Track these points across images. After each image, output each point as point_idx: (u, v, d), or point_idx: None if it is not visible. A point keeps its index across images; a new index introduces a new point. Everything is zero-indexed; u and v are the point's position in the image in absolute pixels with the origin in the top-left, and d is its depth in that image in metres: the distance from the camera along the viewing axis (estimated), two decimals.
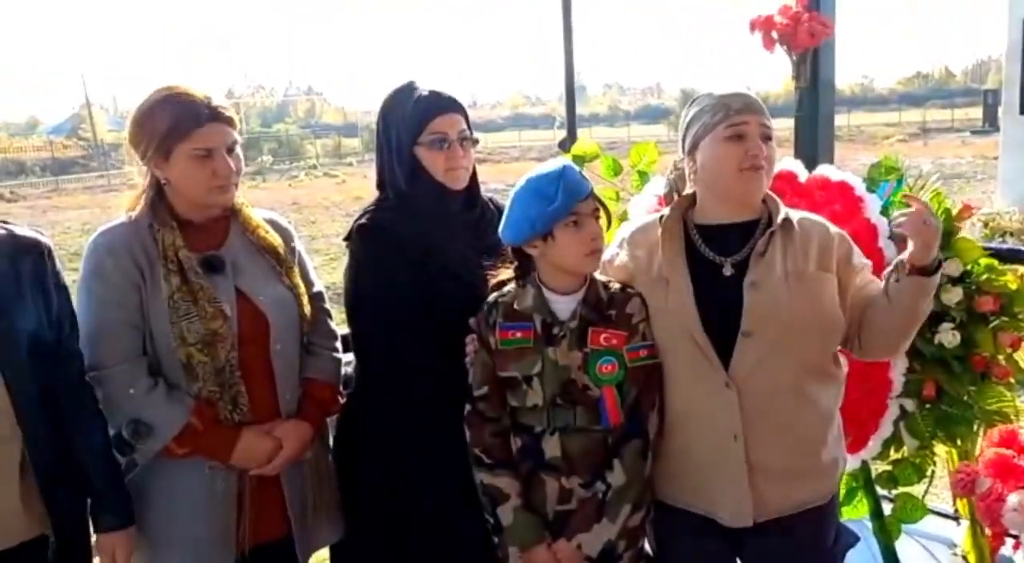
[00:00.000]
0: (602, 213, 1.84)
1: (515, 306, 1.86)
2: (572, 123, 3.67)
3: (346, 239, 2.10)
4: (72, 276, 1.86)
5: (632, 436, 1.82)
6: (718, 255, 1.83)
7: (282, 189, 23.07)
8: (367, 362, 2.10)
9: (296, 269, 2.06)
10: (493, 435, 1.86)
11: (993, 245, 3.34)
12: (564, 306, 1.84)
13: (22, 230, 1.78)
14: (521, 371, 1.83)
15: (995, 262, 2.45)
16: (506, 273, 1.92)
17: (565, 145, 3.13)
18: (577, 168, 1.84)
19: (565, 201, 1.76)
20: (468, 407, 1.89)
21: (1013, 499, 2.21)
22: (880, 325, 1.82)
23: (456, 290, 1.99)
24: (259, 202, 2.13)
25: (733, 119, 1.78)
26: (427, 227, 2.03)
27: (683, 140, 1.89)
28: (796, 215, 1.87)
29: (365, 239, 2.04)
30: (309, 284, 2.10)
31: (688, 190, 1.91)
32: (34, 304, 1.71)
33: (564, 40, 3.60)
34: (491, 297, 1.91)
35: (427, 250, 2.01)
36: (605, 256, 1.92)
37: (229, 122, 1.90)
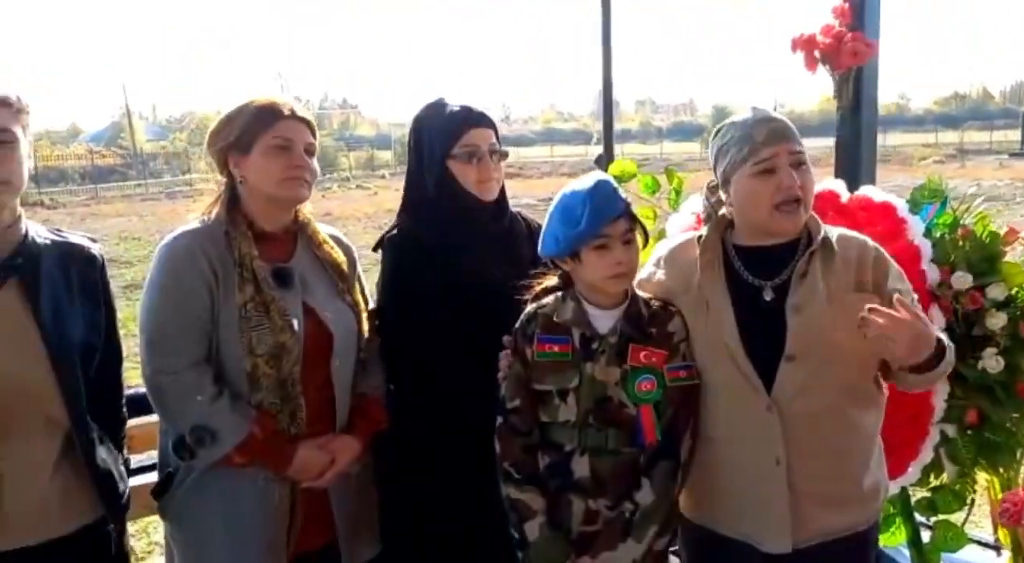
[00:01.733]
0: (638, 233, 1.82)
1: (554, 318, 1.85)
2: (609, 139, 3.67)
3: (376, 249, 2.12)
4: (111, 282, 1.89)
5: (664, 457, 1.80)
6: (758, 278, 1.81)
7: (315, 200, 23.14)
8: (396, 372, 2.11)
9: (357, 286, 2.08)
10: (523, 450, 1.85)
11: None
12: (604, 321, 1.83)
13: (75, 238, 1.84)
14: (557, 385, 1.81)
15: None
16: (549, 280, 1.91)
17: (601, 162, 3.13)
18: (612, 185, 1.82)
19: (590, 224, 1.75)
20: (499, 420, 1.87)
21: None
22: (901, 382, 1.80)
23: (485, 300, 2.00)
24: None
25: (760, 154, 1.74)
26: (457, 238, 2.05)
27: (714, 170, 1.86)
28: (835, 233, 1.84)
29: (395, 249, 2.08)
30: (367, 301, 2.12)
31: (724, 211, 1.89)
32: (83, 307, 1.76)
33: (603, 57, 3.60)
34: (530, 308, 1.90)
35: (456, 261, 2.03)
36: (642, 274, 1.91)
37: (309, 125, 1.97)
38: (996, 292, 2.35)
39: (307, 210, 2.06)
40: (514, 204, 2.26)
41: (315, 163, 1.98)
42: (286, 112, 1.93)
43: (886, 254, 1.87)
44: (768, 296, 1.79)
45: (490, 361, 1.95)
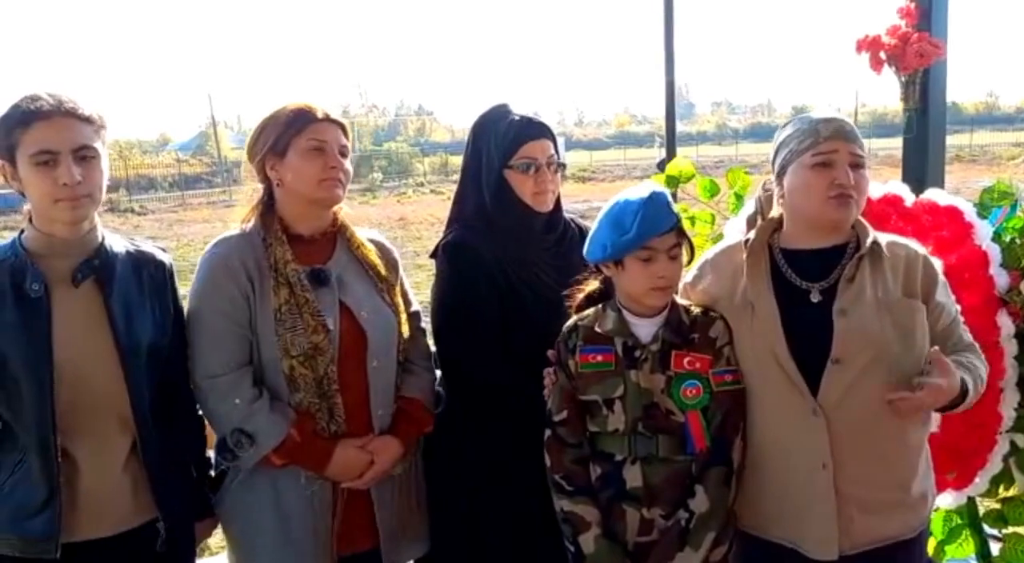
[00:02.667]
0: (684, 249, 1.82)
1: (596, 329, 1.86)
2: (672, 142, 3.67)
3: (432, 256, 2.16)
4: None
5: (716, 463, 1.79)
6: (804, 281, 1.80)
7: (390, 205, 23.68)
8: (451, 378, 2.15)
9: (397, 288, 2.12)
10: (573, 461, 1.85)
11: None
12: (646, 329, 1.83)
13: (146, 245, 1.96)
14: (602, 394, 1.82)
15: None
16: (591, 285, 1.93)
17: (663, 165, 3.13)
18: (666, 198, 1.82)
19: (638, 235, 1.75)
20: (548, 432, 1.88)
21: None
22: None
23: (538, 307, 2.03)
24: (368, 218, 2.26)
25: (821, 146, 1.75)
26: (510, 246, 2.08)
27: (773, 162, 1.87)
28: (884, 239, 1.83)
29: (450, 256, 2.10)
30: (408, 303, 2.15)
31: (774, 213, 1.89)
32: (153, 312, 1.87)
33: (665, 58, 3.61)
34: (571, 320, 1.91)
35: (510, 269, 2.06)
36: (687, 278, 1.92)
37: (342, 127, 2.01)
38: None
39: (344, 212, 2.10)
40: (586, 208, 2.27)
41: (348, 164, 2.01)
42: (319, 115, 1.97)
43: (934, 262, 1.85)
44: (815, 298, 1.78)
45: (542, 368, 1.96)
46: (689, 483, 1.80)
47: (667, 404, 1.79)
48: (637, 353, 1.81)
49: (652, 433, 1.79)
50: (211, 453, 2.05)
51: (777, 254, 1.85)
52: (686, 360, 1.79)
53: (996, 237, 2.36)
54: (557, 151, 2.16)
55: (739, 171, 2.74)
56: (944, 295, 1.83)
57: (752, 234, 1.89)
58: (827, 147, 1.75)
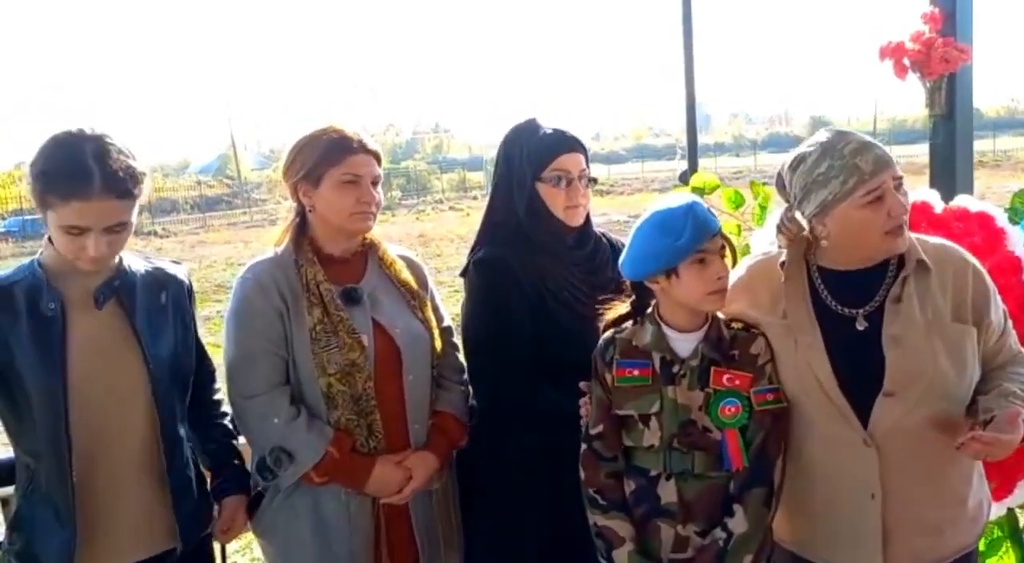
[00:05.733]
0: (728, 251, 1.79)
1: (633, 343, 1.82)
2: (693, 154, 3.65)
3: (462, 274, 2.16)
4: (217, 307, 2.01)
5: (757, 483, 1.75)
6: (845, 303, 1.74)
7: (409, 222, 23.83)
8: (481, 393, 2.14)
9: (429, 304, 2.13)
10: (608, 476, 1.82)
11: None
12: (685, 344, 1.79)
13: (162, 262, 1.97)
14: (638, 410, 1.79)
15: None
16: (621, 307, 1.89)
17: (685, 177, 3.11)
18: (705, 204, 1.80)
19: (693, 237, 1.70)
20: (583, 446, 1.86)
21: None
22: None
23: (571, 323, 2.01)
24: (387, 235, 2.23)
25: (869, 184, 1.66)
26: (542, 261, 2.07)
27: (799, 200, 1.74)
28: (928, 244, 1.77)
29: (481, 272, 2.09)
30: (440, 319, 2.17)
31: (804, 233, 1.81)
32: (175, 330, 1.88)
33: (685, 70, 3.59)
34: (608, 333, 1.88)
35: (542, 283, 2.05)
36: None
37: (376, 156, 2.03)
38: None
39: (376, 232, 2.11)
40: (605, 222, 2.25)
41: (379, 192, 2.03)
42: (355, 145, 1.98)
43: (984, 273, 1.79)
44: (861, 326, 1.72)
45: (574, 383, 1.94)
46: (725, 500, 1.76)
47: (704, 421, 1.76)
48: (675, 368, 1.77)
49: (688, 449, 1.76)
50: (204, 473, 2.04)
51: (815, 276, 1.79)
52: (726, 377, 1.75)
53: None
54: (588, 165, 2.15)
55: (761, 185, 2.72)
56: (995, 309, 1.77)
57: (786, 254, 1.83)
58: (875, 183, 1.66)
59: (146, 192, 1.77)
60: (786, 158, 1.80)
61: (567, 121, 2.17)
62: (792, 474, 1.78)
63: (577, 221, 2.12)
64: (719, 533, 1.74)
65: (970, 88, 2.89)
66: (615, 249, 2.19)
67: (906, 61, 2.75)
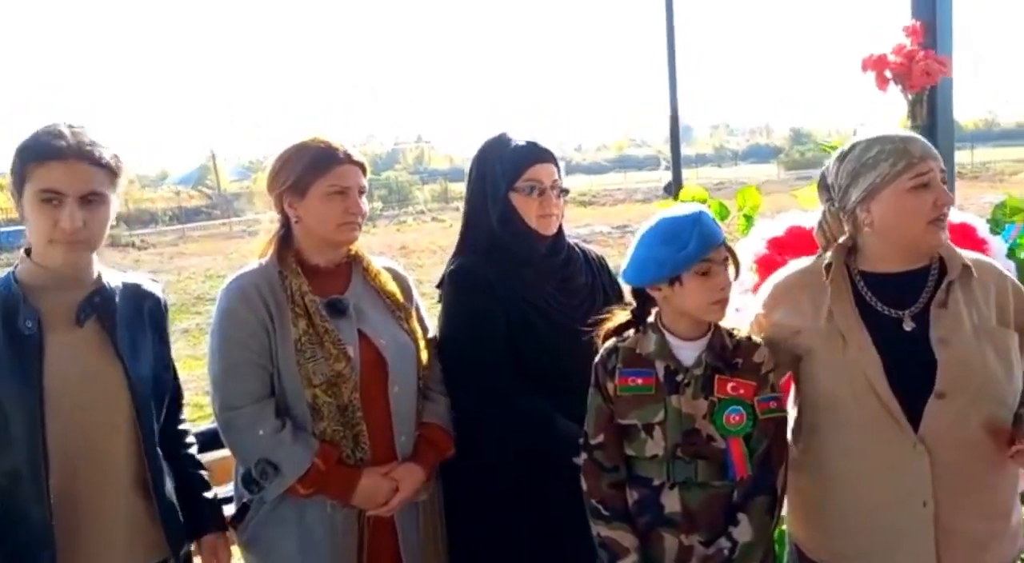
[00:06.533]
0: (731, 262, 1.79)
1: (637, 351, 1.82)
2: (677, 166, 3.65)
3: (439, 286, 2.16)
4: (196, 319, 1.99)
5: (760, 491, 1.74)
6: (891, 307, 1.73)
7: (390, 234, 23.74)
8: (460, 402, 2.13)
9: (414, 315, 2.12)
10: (610, 486, 1.81)
11: None
12: (688, 353, 1.78)
13: (138, 277, 1.95)
14: (641, 419, 1.77)
15: None
16: (621, 316, 1.89)
17: (671, 189, 3.12)
18: (712, 215, 1.80)
19: (699, 247, 1.71)
20: (584, 456, 1.85)
21: None
22: None
23: (546, 329, 2.02)
24: (369, 247, 2.23)
25: (918, 167, 1.67)
26: (517, 270, 2.09)
27: (845, 188, 1.76)
28: (970, 258, 1.76)
29: (457, 281, 2.11)
30: (425, 329, 2.16)
31: (844, 237, 1.82)
32: (154, 345, 1.86)
33: (669, 84, 3.60)
34: (610, 342, 1.87)
35: (517, 291, 2.06)
36: (756, 308, 1.88)
37: (361, 167, 2.03)
38: None
39: (359, 243, 2.11)
40: (588, 233, 2.28)
41: (365, 202, 2.04)
42: (341, 155, 1.98)
43: (1019, 283, 1.80)
44: (908, 327, 1.71)
45: (549, 389, 1.97)
46: (728, 509, 1.75)
47: (708, 430, 1.75)
48: (679, 377, 1.77)
49: (691, 458, 1.75)
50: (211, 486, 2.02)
51: (857, 278, 1.78)
52: (730, 386, 1.75)
53: (1010, 253, 2.35)
54: (561, 176, 2.18)
55: (750, 190, 2.72)
56: None
57: (828, 257, 1.81)
58: (923, 167, 1.67)
59: (123, 179, 1.78)
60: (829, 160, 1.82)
61: (540, 132, 2.21)
62: (829, 482, 1.76)
63: (550, 230, 2.14)
64: (724, 542, 1.73)
65: (951, 100, 2.91)
66: (588, 259, 2.24)
67: (888, 73, 2.77)
